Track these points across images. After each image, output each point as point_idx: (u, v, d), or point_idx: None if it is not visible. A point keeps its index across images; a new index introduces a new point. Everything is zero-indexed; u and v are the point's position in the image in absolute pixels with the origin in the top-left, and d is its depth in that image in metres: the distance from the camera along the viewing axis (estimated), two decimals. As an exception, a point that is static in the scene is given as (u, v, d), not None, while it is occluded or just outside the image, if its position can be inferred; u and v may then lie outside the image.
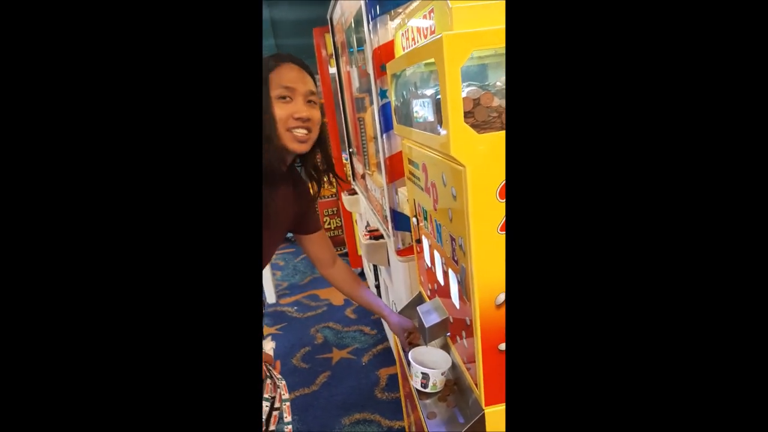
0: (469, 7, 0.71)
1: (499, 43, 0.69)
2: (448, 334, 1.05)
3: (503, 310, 0.78)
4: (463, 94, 0.71)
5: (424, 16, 0.91)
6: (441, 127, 0.87)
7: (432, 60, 0.74)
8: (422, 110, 1.13)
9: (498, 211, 0.74)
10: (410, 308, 1.29)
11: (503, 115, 0.76)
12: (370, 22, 1.40)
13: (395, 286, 1.77)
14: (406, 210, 1.47)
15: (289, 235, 1.23)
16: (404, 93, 1.20)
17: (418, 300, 1.31)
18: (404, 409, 1.51)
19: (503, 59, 0.88)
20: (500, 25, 0.69)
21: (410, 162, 1.16)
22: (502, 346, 0.80)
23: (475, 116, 0.74)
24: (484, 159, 0.71)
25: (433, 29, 0.86)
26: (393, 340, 1.48)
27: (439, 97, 0.74)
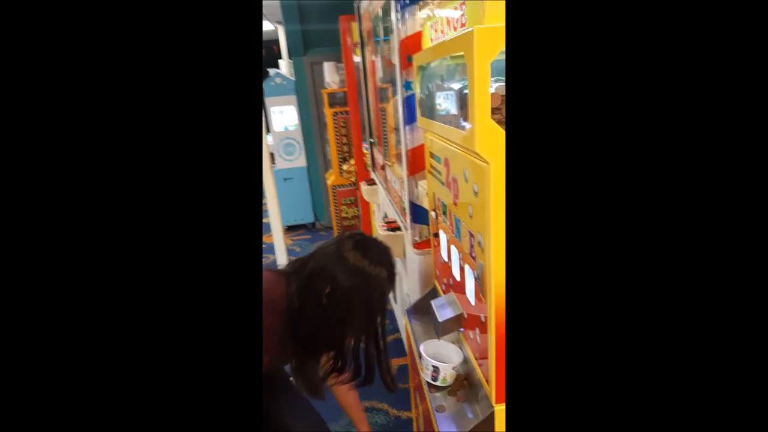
0: (503, 1, 0.70)
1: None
2: (462, 329, 1.05)
3: (519, 309, 0.78)
4: (491, 90, 0.70)
5: (455, 8, 0.90)
6: (464, 121, 0.86)
7: (460, 53, 0.73)
8: (445, 103, 1.13)
9: (520, 209, 0.73)
10: (424, 302, 1.29)
11: (530, 113, 0.75)
12: (399, 12, 1.39)
13: (410, 279, 1.77)
14: (425, 203, 1.46)
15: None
16: (429, 86, 1.19)
17: (433, 294, 1.32)
18: (413, 401, 1.52)
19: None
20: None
21: (432, 156, 1.15)
22: (516, 345, 0.80)
23: (502, 112, 0.73)
24: (508, 156, 0.71)
25: (463, 21, 0.85)
26: (404, 331, 1.49)
27: (465, 91, 0.73)
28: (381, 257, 0.94)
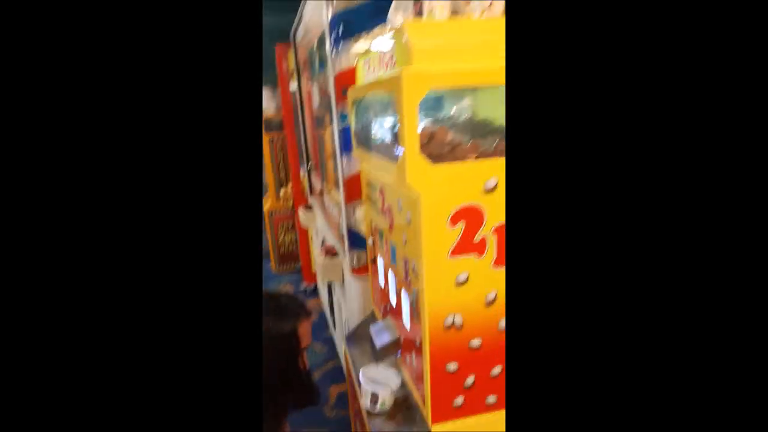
0: (429, 45, 0.75)
1: (458, 82, 0.75)
2: (398, 353, 1.07)
3: (452, 331, 0.82)
4: (420, 127, 0.76)
5: (384, 37, 0.96)
6: (398, 147, 0.91)
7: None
8: (380, 133, 1.18)
9: (449, 237, 0.78)
10: (363, 327, 1.31)
11: (456, 149, 0.81)
12: (333, 47, 1.44)
13: (349, 304, 1.78)
14: (363, 229, 1.49)
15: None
16: (364, 118, 1.24)
17: (371, 319, 1.34)
18: (353, 427, 1.52)
19: (459, 91, 0.93)
20: (459, 62, 0.74)
21: (368, 184, 1.19)
22: (450, 366, 0.84)
23: (430, 148, 0.79)
24: (437, 188, 0.76)
25: (394, 60, 0.90)
26: (344, 358, 1.49)
27: (398, 126, 0.78)
28: (283, 310, 0.99)
